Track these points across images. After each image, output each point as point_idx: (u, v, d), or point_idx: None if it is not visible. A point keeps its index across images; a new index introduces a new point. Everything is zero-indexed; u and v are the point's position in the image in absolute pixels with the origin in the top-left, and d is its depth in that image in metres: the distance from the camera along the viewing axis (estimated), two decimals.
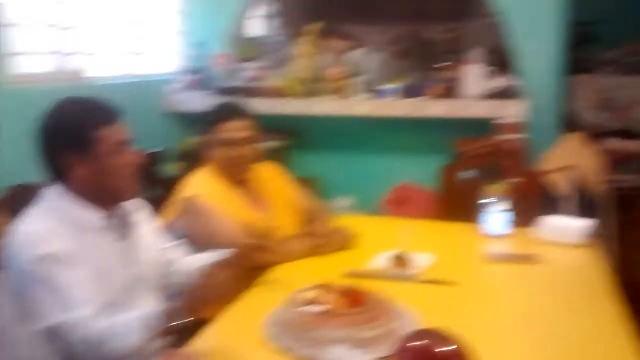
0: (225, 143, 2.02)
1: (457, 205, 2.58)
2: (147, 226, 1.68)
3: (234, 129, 2.03)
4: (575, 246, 2.05)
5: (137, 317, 1.38)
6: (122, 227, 1.57)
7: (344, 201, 3.77)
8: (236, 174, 2.07)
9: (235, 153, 2.02)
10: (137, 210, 1.63)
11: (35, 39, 2.91)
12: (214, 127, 2.03)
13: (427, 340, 1.08)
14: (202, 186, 2.00)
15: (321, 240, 2.00)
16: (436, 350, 1.06)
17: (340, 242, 2.06)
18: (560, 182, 2.70)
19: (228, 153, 2.02)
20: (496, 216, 2.14)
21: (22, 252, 1.38)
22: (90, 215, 1.49)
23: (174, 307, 1.43)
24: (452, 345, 1.07)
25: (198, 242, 1.83)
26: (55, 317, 1.36)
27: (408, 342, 1.09)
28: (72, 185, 1.49)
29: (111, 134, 1.49)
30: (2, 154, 2.43)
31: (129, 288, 1.55)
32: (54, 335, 1.36)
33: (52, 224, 1.42)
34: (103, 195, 1.53)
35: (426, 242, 2.06)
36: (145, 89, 3.57)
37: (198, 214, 1.93)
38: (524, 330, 1.49)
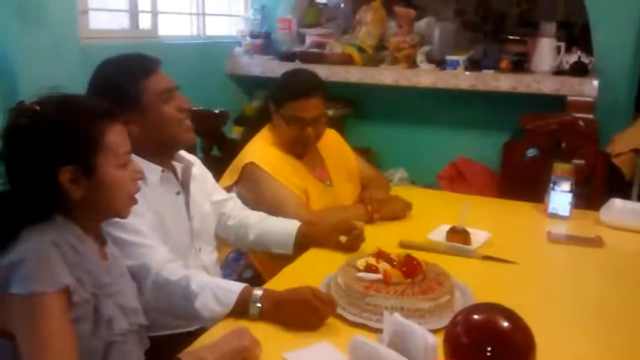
0: (297, 122, 1.95)
1: (519, 184, 2.52)
2: (203, 180, 1.72)
3: (307, 108, 1.94)
4: None
5: (230, 288, 1.37)
6: (179, 181, 1.61)
7: (399, 173, 3.75)
8: (298, 149, 2.02)
9: (304, 132, 1.96)
10: (193, 165, 1.66)
11: None
12: (286, 102, 1.95)
13: (488, 314, 1.07)
14: (262, 153, 1.97)
15: (377, 207, 1.98)
16: (498, 325, 1.04)
17: (397, 210, 2.04)
18: (631, 165, 2.59)
19: (296, 130, 1.96)
20: (561, 196, 2.08)
21: None
22: (148, 170, 1.50)
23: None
24: (513, 321, 1.05)
25: (256, 209, 1.85)
26: (136, 257, 1.40)
27: (468, 315, 1.08)
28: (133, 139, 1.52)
29: (152, 84, 1.51)
30: None
31: (187, 240, 1.60)
32: (133, 278, 1.38)
33: None
34: (158, 148, 1.56)
35: (484, 218, 2.02)
36: (211, 51, 3.62)
37: (256, 181, 1.93)
38: (581, 314, 1.45)
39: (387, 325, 1.06)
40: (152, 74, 1.51)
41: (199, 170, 1.71)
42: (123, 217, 1.26)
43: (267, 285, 1.52)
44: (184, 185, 1.63)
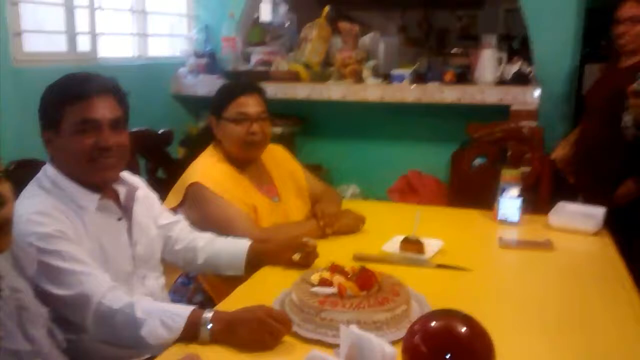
0: (239, 119, 1.93)
1: (468, 193, 2.55)
2: (148, 203, 1.65)
3: (248, 103, 1.95)
4: (589, 234, 2.01)
5: (178, 312, 1.30)
6: (122, 207, 1.54)
7: (351, 189, 3.75)
8: (248, 153, 1.99)
9: (250, 129, 1.93)
10: (136, 187, 1.59)
11: (45, 18, 2.88)
12: (227, 104, 1.95)
13: (445, 321, 1.04)
14: (207, 171, 1.92)
15: (330, 221, 1.95)
16: (456, 330, 1.02)
17: (350, 224, 2.02)
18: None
19: (242, 129, 1.93)
20: (510, 202, 2.10)
21: (29, 230, 1.34)
22: (85, 198, 1.45)
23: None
24: (471, 326, 1.03)
25: (203, 230, 1.79)
26: (75, 286, 1.32)
27: (425, 323, 1.05)
28: (58, 166, 1.45)
29: (76, 111, 1.41)
30: (6, 133, 2.40)
31: (130, 267, 1.52)
32: (73, 308, 1.33)
33: (52, 204, 1.40)
34: (82, 179, 1.47)
35: (436, 228, 2.02)
36: (154, 72, 3.54)
37: (203, 201, 1.86)
38: (537, 317, 1.45)
39: (343, 338, 1.03)
40: (80, 101, 1.41)
41: (143, 193, 1.64)
42: None
43: (219, 307, 1.47)
44: (126, 210, 1.55)
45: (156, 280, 1.63)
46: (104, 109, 1.44)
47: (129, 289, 1.48)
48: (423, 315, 1.11)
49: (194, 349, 1.25)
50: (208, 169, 1.94)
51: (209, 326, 1.27)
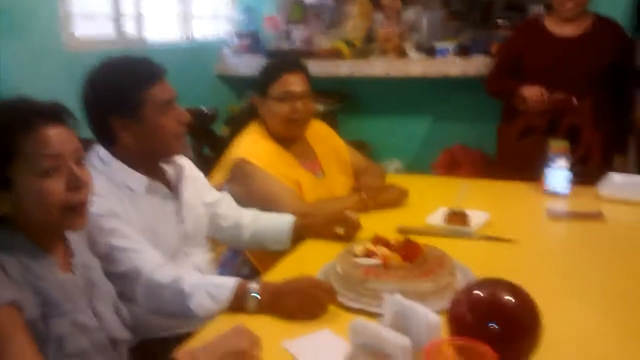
0: (285, 97, 1.94)
1: (515, 166, 2.48)
2: (194, 182, 1.69)
3: (293, 82, 1.96)
4: None
5: (223, 284, 1.34)
6: (169, 188, 1.58)
7: (394, 164, 3.73)
8: (292, 131, 2.01)
9: (295, 107, 1.95)
10: (183, 168, 1.63)
11: (93, 3, 2.95)
12: (272, 82, 1.96)
13: (492, 290, 1.04)
14: (252, 148, 1.95)
15: (372, 195, 1.96)
16: (502, 300, 1.01)
17: (394, 198, 2.01)
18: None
19: (287, 107, 1.94)
20: (558, 173, 2.05)
21: None
22: (136, 180, 1.49)
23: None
24: (518, 295, 1.02)
25: (249, 204, 1.82)
26: (126, 262, 1.37)
27: (471, 291, 1.05)
28: (118, 149, 1.49)
29: (155, 94, 1.46)
30: None
31: (178, 244, 1.57)
32: (124, 282, 1.37)
33: (103, 185, 1.43)
34: (150, 157, 1.53)
35: (482, 200, 2.01)
36: (199, 53, 3.60)
37: (248, 177, 1.90)
38: (586, 290, 1.42)
39: (387, 306, 1.03)
40: (155, 83, 1.47)
41: (190, 172, 1.68)
42: (59, 229, 1.17)
43: (264, 279, 1.50)
44: (174, 190, 1.60)
45: (202, 256, 1.67)
46: (170, 87, 1.51)
47: (177, 264, 1.52)
48: (469, 284, 1.11)
49: (241, 318, 1.28)
50: (253, 146, 1.97)
51: (256, 296, 1.29)
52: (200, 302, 1.31)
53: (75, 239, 1.23)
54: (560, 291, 1.41)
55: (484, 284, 1.08)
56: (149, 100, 1.45)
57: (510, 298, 1.03)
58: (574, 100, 2.46)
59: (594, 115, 2.41)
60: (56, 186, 1.10)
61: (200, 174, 1.76)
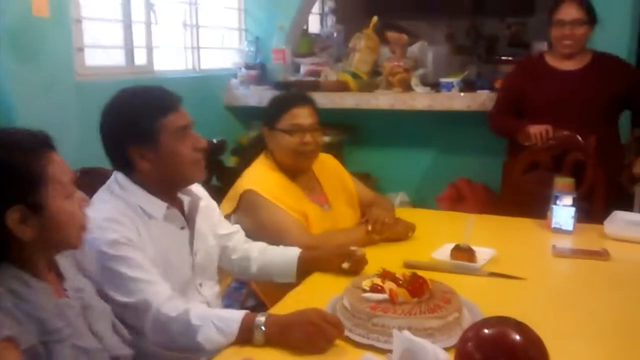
0: (292, 130, 1.96)
1: (520, 202, 2.50)
2: (209, 214, 1.70)
3: (302, 115, 1.98)
4: None
5: (231, 317, 1.33)
6: (185, 216, 1.60)
7: (399, 197, 3.74)
8: (300, 163, 2.02)
9: (303, 140, 1.96)
10: (199, 197, 1.65)
11: (104, 34, 3.02)
12: (281, 114, 1.98)
13: (499, 328, 1.04)
14: (259, 179, 1.96)
15: (380, 228, 1.97)
16: (510, 338, 1.02)
17: (400, 232, 2.02)
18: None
19: (295, 140, 1.96)
20: (563, 211, 2.06)
21: (96, 236, 1.39)
22: (154, 206, 1.51)
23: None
24: (525, 333, 1.02)
25: (256, 236, 1.84)
26: (137, 293, 1.38)
27: (479, 330, 1.05)
28: (136, 176, 1.51)
29: (171, 121, 1.49)
30: (69, 142, 2.51)
31: (189, 275, 1.58)
32: (133, 314, 1.38)
33: (122, 210, 1.46)
34: (168, 184, 1.55)
35: (487, 236, 2.01)
36: (207, 84, 3.65)
37: (255, 208, 1.91)
38: (592, 329, 1.42)
39: (397, 343, 1.04)
40: (171, 112, 1.50)
41: (205, 203, 1.69)
42: (75, 248, 1.21)
43: (271, 311, 1.49)
44: (189, 220, 1.61)
45: (212, 289, 1.68)
46: (186, 114, 1.54)
47: (186, 296, 1.53)
48: (476, 322, 1.11)
49: (248, 351, 1.28)
50: (261, 177, 1.99)
51: (263, 329, 1.30)
52: (208, 336, 1.31)
53: (64, 263, 1.24)
54: (567, 330, 1.41)
55: (492, 322, 1.09)
56: (165, 128, 1.48)
57: (518, 336, 1.03)
58: (579, 137, 2.49)
59: (598, 152, 2.43)
60: (77, 207, 1.16)
61: (215, 205, 1.77)
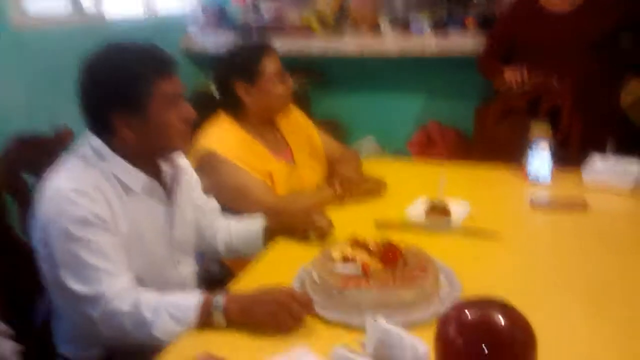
0: (281, 76, 1.87)
1: (493, 148, 2.41)
2: (190, 186, 1.57)
3: (275, 60, 1.88)
4: (626, 191, 1.89)
5: (186, 303, 1.23)
6: (167, 190, 1.45)
7: (368, 142, 3.64)
8: (281, 111, 1.94)
9: (288, 84, 1.89)
10: (182, 169, 1.50)
11: None
12: (259, 66, 1.84)
13: (482, 310, 0.95)
14: (221, 139, 1.83)
15: (349, 188, 1.86)
16: (493, 322, 0.92)
17: (369, 189, 1.92)
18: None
19: (283, 87, 1.88)
20: (540, 159, 1.97)
21: (61, 209, 1.25)
22: (133, 178, 1.36)
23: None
24: (510, 316, 0.93)
25: (217, 198, 1.70)
26: (92, 283, 1.24)
27: (460, 312, 0.96)
28: (117, 144, 1.34)
29: (166, 88, 1.32)
30: (9, 104, 2.30)
31: (166, 252, 1.45)
32: (84, 305, 1.25)
33: (94, 181, 1.30)
34: (150, 153, 1.39)
35: (462, 187, 1.93)
36: (163, 29, 3.40)
37: (216, 170, 1.78)
38: (574, 289, 1.35)
39: (370, 333, 0.94)
40: (167, 77, 1.32)
41: (188, 175, 1.55)
42: None
43: (236, 282, 1.41)
44: (170, 193, 1.46)
45: (190, 267, 1.55)
46: (180, 82, 1.38)
47: (163, 275, 1.42)
48: (457, 304, 1.01)
49: (208, 335, 1.18)
50: (223, 137, 1.85)
51: (222, 312, 1.19)
52: (164, 328, 1.20)
53: None
54: (548, 291, 1.33)
55: (475, 303, 0.99)
56: (158, 95, 1.31)
57: (504, 320, 0.94)
58: (554, 81, 2.38)
59: (576, 96, 2.33)
60: None
61: (196, 177, 1.63)
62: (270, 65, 1.87)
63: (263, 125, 1.93)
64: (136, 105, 1.30)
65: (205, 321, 1.20)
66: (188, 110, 1.38)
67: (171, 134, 1.36)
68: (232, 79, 1.87)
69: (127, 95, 1.29)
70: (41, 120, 1.44)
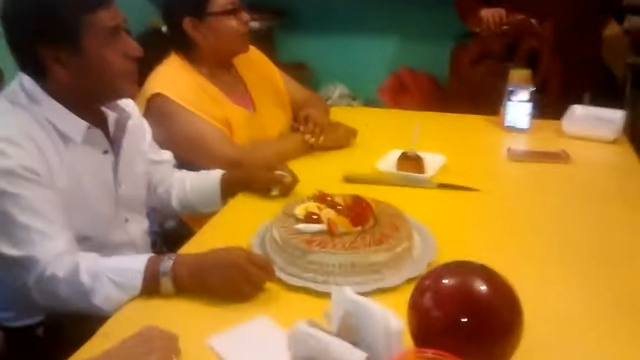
0: (232, 9, 1.66)
1: (469, 95, 2.29)
2: (139, 135, 1.40)
3: None
4: (608, 141, 1.80)
5: (131, 267, 1.09)
6: (109, 138, 1.28)
7: (338, 89, 3.48)
8: (243, 48, 1.75)
9: (242, 19, 1.68)
10: (128, 114, 1.32)
11: None
12: None
13: (461, 277, 0.84)
14: (171, 82, 1.65)
15: (316, 131, 1.72)
16: (475, 290, 0.82)
17: (340, 138, 1.78)
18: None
19: (237, 21, 1.67)
20: (518, 107, 1.86)
21: None
22: (71, 125, 1.18)
23: None
24: (491, 283, 0.83)
25: (168, 148, 1.54)
26: (23, 246, 1.09)
27: (437, 280, 0.85)
28: (50, 85, 1.17)
29: (101, 19, 1.14)
30: None
31: (111, 209, 1.29)
32: (16, 269, 1.11)
33: (26, 128, 1.13)
34: (90, 97, 1.22)
35: (436, 138, 1.81)
36: None
37: (166, 116, 1.60)
38: (554, 245, 1.26)
39: (336, 304, 0.82)
40: (101, 7, 1.14)
41: (135, 121, 1.37)
42: None
43: (192, 242, 1.28)
44: (115, 142, 1.29)
45: (140, 225, 1.40)
46: (119, 12, 1.18)
47: (109, 234, 1.28)
48: (433, 270, 0.90)
49: (155, 304, 1.05)
50: (173, 79, 1.67)
51: (170, 278, 1.06)
52: (105, 295, 1.06)
53: None
54: (528, 251, 1.24)
55: (452, 268, 0.88)
56: (91, 27, 1.13)
57: (484, 287, 0.83)
58: (534, 22, 2.24)
59: (556, 39, 2.20)
60: None
61: (146, 126, 1.46)
62: None
63: (219, 67, 1.75)
64: (66, 36, 1.12)
65: (153, 288, 1.07)
66: (132, 46, 1.20)
67: (112, 72, 1.18)
68: (179, 14, 1.68)
69: (54, 23, 1.11)
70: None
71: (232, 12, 1.67)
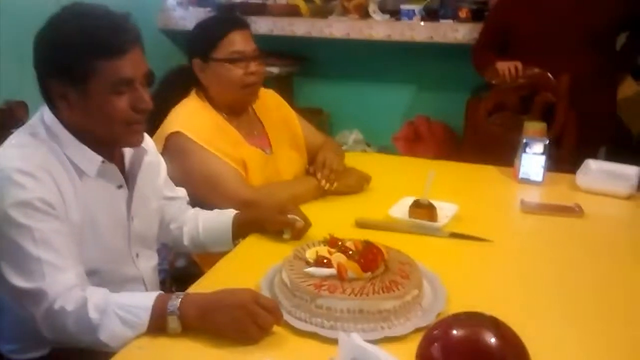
0: (235, 58, 1.67)
1: (484, 146, 2.30)
2: (154, 171, 1.41)
3: (241, 40, 1.68)
4: (622, 197, 1.78)
5: (139, 304, 1.09)
6: (126, 173, 1.30)
7: (353, 135, 3.51)
8: (244, 98, 1.75)
9: (248, 69, 1.68)
10: (145, 150, 1.33)
11: None
12: (216, 42, 1.67)
13: (471, 329, 0.83)
14: (189, 120, 1.67)
15: (331, 176, 1.73)
16: (483, 341, 0.81)
17: (353, 184, 1.79)
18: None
19: (238, 71, 1.68)
20: (533, 159, 1.86)
21: (2, 191, 1.10)
22: (87, 160, 1.20)
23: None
24: (501, 334, 0.82)
25: (184, 186, 1.56)
26: (34, 278, 1.10)
27: (446, 331, 0.84)
28: (64, 119, 1.19)
29: (112, 70, 1.14)
30: None
31: (123, 244, 1.30)
32: (26, 301, 1.11)
33: (43, 161, 1.15)
34: (96, 138, 1.22)
35: (449, 187, 1.80)
36: (139, 4, 3.21)
37: (183, 154, 1.62)
38: (567, 299, 1.25)
39: (343, 350, 0.81)
40: (115, 56, 1.14)
41: (151, 158, 1.39)
42: None
43: (201, 281, 1.28)
44: (130, 178, 1.31)
45: (149, 261, 1.40)
46: (138, 63, 1.18)
47: (120, 269, 1.28)
48: (443, 320, 0.89)
49: (161, 343, 1.05)
50: (191, 118, 1.69)
51: (177, 316, 1.06)
52: (112, 332, 1.06)
53: None
54: (539, 303, 1.23)
55: (462, 319, 0.87)
56: (102, 74, 1.14)
57: (494, 339, 0.83)
58: (550, 76, 2.26)
59: (572, 93, 2.21)
60: None
61: (162, 161, 1.47)
62: (232, 45, 1.68)
63: (230, 109, 1.76)
64: (73, 76, 1.14)
65: (160, 326, 1.06)
66: (142, 99, 1.19)
67: (114, 121, 1.18)
68: (191, 53, 1.73)
69: (65, 61, 1.13)
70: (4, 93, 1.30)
71: (237, 60, 1.68)
